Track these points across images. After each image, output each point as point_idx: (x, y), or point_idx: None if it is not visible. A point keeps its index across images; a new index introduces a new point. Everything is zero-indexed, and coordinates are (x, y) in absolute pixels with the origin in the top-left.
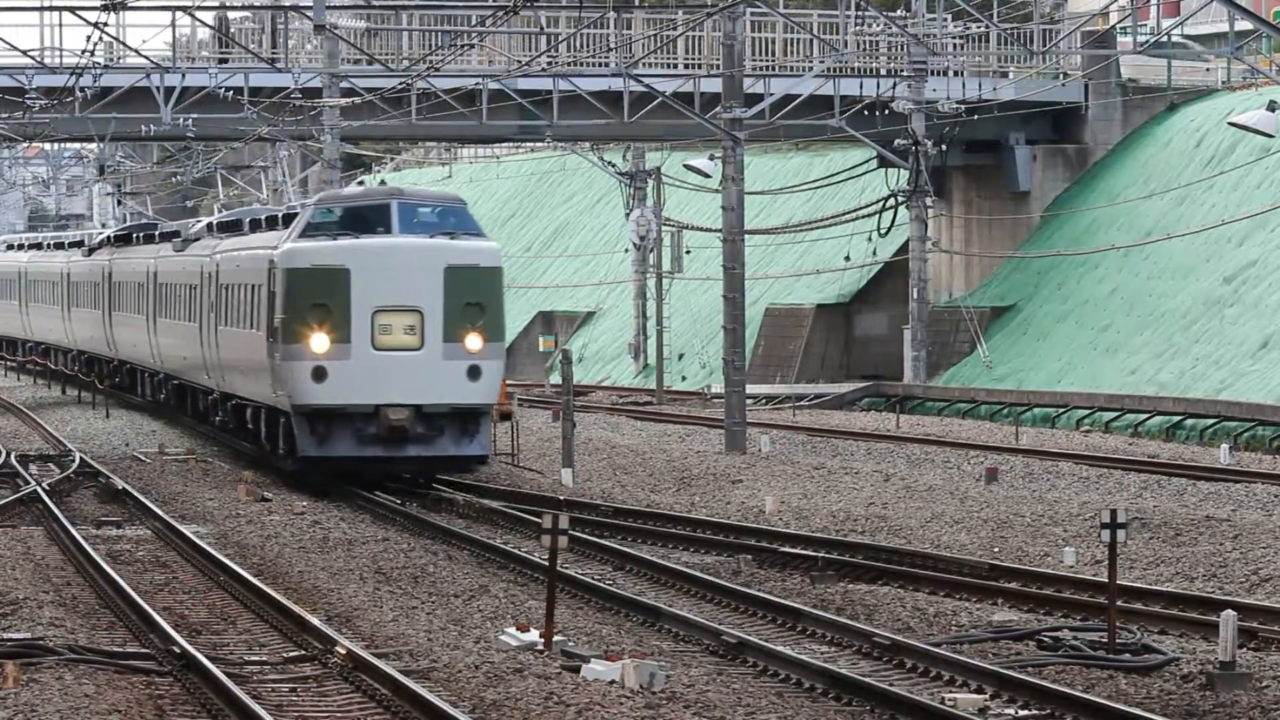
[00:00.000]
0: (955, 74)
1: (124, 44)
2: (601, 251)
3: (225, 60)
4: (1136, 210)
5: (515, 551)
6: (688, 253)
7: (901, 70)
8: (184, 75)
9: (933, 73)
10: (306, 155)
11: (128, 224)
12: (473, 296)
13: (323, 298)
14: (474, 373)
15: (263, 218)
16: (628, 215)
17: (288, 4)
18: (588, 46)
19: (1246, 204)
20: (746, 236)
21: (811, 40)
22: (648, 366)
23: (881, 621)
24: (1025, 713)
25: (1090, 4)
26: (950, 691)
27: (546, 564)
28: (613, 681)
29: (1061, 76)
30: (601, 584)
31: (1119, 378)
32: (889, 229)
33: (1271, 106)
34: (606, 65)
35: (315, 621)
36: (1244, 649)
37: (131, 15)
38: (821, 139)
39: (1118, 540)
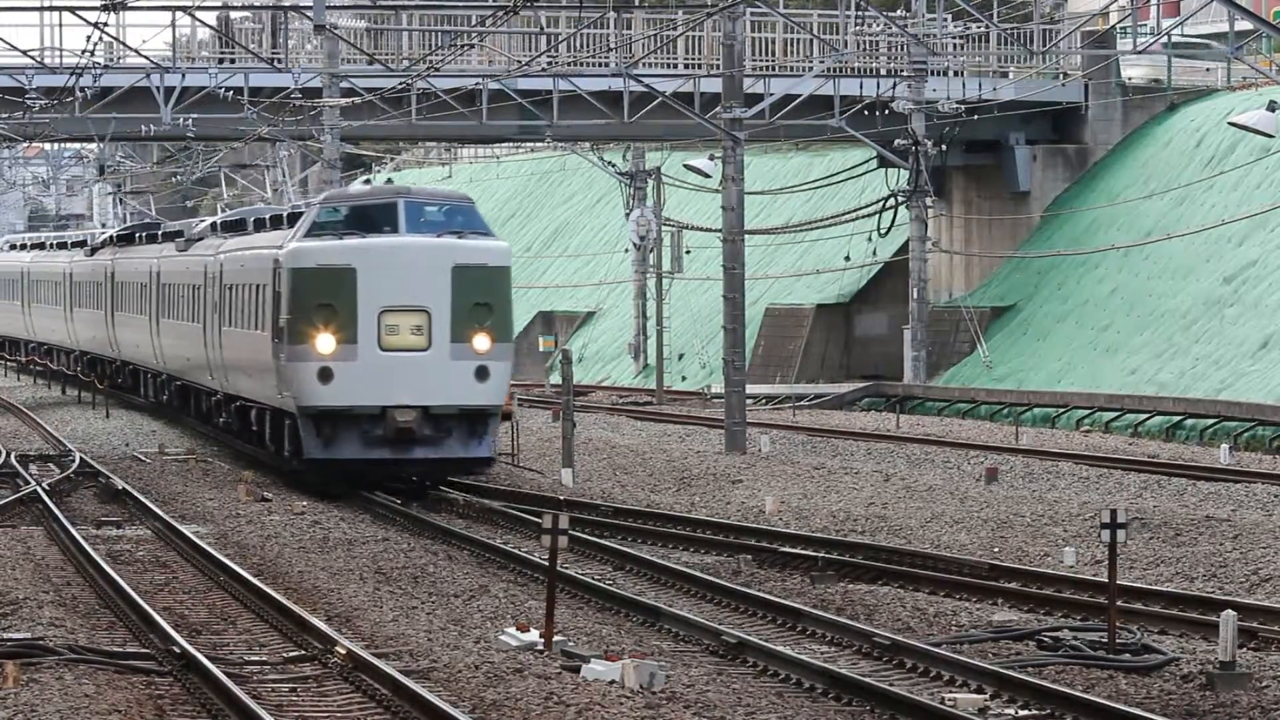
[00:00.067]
0: (955, 74)
1: (124, 44)
2: (601, 251)
3: (228, 60)
4: (1136, 210)
5: (515, 551)
6: (688, 253)
7: (901, 70)
8: (184, 75)
9: (933, 73)
10: (306, 155)
11: (130, 224)
12: (481, 296)
13: (329, 298)
14: (482, 373)
15: (267, 217)
16: (628, 215)
17: (288, 4)
18: (588, 46)
19: (1246, 204)
20: (746, 236)
21: (811, 40)
22: (648, 366)
23: (881, 621)
24: (1025, 713)
25: (1090, 4)
26: (950, 691)
27: (546, 564)
28: (613, 681)
29: (1061, 76)
30: (601, 584)
31: (1119, 378)
32: (889, 229)
33: (1271, 106)
34: (606, 65)
35: (315, 621)
36: (1244, 649)
37: (131, 15)
38: (821, 139)
39: (1118, 540)
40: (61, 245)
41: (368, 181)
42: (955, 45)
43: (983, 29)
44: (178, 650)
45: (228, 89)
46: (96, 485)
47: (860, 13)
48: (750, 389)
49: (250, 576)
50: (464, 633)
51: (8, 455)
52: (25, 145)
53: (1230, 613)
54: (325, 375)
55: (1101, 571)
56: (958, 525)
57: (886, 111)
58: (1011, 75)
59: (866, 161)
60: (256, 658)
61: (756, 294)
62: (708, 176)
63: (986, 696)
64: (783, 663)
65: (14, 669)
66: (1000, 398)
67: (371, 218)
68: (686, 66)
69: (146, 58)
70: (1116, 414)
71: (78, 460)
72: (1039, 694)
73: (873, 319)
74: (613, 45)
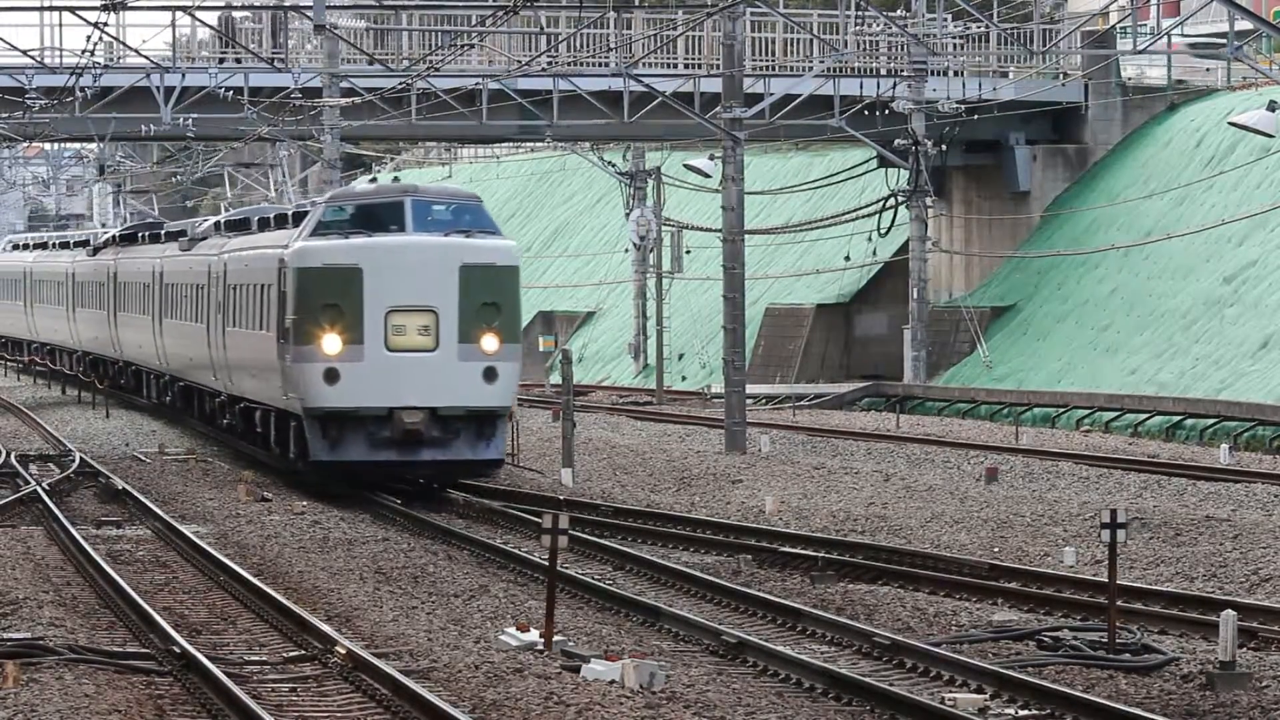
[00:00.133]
0: (955, 74)
1: (124, 44)
2: (601, 251)
3: (231, 60)
4: (1136, 210)
5: (515, 551)
6: (688, 253)
7: (901, 70)
8: (184, 75)
9: (933, 73)
10: (306, 155)
11: (133, 223)
12: (489, 296)
13: (335, 298)
14: (490, 374)
15: (271, 216)
16: (628, 215)
17: (288, 4)
18: (588, 46)
19: (1246, 204)
20: (746, 236)
21: (811, 40)
22: (648, 366)
23: (881, 621)
24: (1025, 713)
25: (1090, 4)
26: (950, 691)
27: (546, 564)
28: (613, 681)
29: (1061, 76)
30: (601, 584)
31: (1119, 378)
32: (889, 229)
33: (1271, 106)
34: (606, 65)
35: (315, 621)
36: (1244, 649)
37: (131, 15)
38: (821, 139)
39: (1118, 540)
40: (64, 245)
41: (373, 180)
42: (955, 45)
43: (983, 29)
44: (178, 650)
45: (228, 89)
46: (96, 485)
47: (860, 13)
48: (750, 389)
49: (250, 576)
50: (464, 633)
51: (8, 455)
52: (25, 145)
53: (1230, 613)
54: (331, 376)
55: (1101, 571)
56: (958, 525)
57: (886, 111)
58: (1011, 75)
59: (866, 161)
60: (256, 658)
61: (756, 294)
62: (708, 176)
63: (986, 696)
64: (783, 663)
65: (14, 669)
66: (1000, 398)
67: (378, 217)
68: (686, 66)
69: (146, 58)
70: (1116, 414)
71: (78, 460)
72: (1039, 694)
73: (873, 319)
74: (613, 45)
